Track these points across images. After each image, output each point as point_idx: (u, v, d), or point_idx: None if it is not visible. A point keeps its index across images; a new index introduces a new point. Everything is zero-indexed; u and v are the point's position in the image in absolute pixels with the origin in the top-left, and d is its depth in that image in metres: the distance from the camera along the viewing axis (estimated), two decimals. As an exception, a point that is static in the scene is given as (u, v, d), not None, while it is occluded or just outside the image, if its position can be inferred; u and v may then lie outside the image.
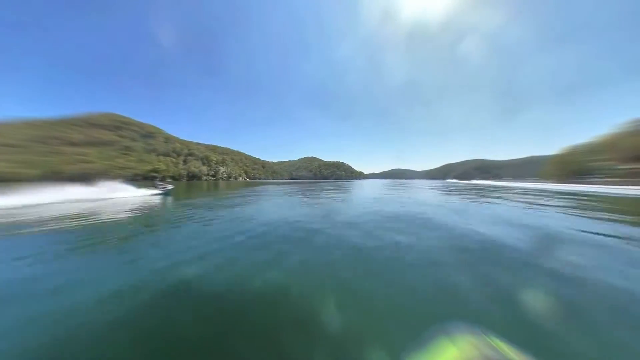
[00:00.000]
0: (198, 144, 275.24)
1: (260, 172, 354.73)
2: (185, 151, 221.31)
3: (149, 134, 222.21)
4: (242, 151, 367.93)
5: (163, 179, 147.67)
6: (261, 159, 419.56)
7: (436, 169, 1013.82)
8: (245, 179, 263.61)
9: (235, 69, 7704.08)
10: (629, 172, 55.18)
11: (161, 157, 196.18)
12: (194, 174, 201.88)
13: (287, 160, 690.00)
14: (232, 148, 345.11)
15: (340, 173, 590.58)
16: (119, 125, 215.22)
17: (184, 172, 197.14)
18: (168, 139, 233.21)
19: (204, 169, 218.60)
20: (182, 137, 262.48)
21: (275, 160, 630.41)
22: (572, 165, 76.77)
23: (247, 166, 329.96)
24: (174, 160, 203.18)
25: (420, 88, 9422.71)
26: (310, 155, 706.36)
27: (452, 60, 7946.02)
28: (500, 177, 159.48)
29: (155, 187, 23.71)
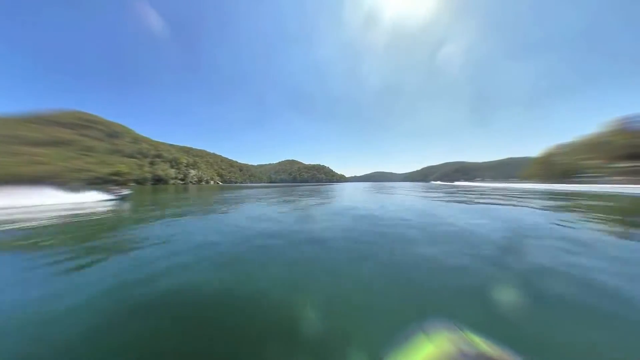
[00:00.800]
0: (172, 145, 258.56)
1: (237, 176, 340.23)
2: (153, 152, 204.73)
3: (115, 133, 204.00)
4: (219, 154, 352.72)
5: (125, 183, 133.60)
6: (239, 162, 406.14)
7: (417, 171, 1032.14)
8: (218, 183, 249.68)
9: (219, 69, 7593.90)
10: (618, 171, 52.79)
11: (125, 159, 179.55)
12: (160, 178, 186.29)
13: (267, 163, 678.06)
14: (208, 150, 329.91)
15: (321, 176, 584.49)
16: (83, 123, 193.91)
17: (149, 175, 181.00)
18: (136, 139, 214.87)
19: (172, 172, 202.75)
20: (156, 139, 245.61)
21: (255, 164, 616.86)
22: (559, 165, 74.22)
23: (222, 169, 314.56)
24: (138, 162, 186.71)
25: (401, 92, 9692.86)
26: (290, 158, 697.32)
27: (431, 67, 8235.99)
28: (482, 179, 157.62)
29: (108, 192, 22.34)
